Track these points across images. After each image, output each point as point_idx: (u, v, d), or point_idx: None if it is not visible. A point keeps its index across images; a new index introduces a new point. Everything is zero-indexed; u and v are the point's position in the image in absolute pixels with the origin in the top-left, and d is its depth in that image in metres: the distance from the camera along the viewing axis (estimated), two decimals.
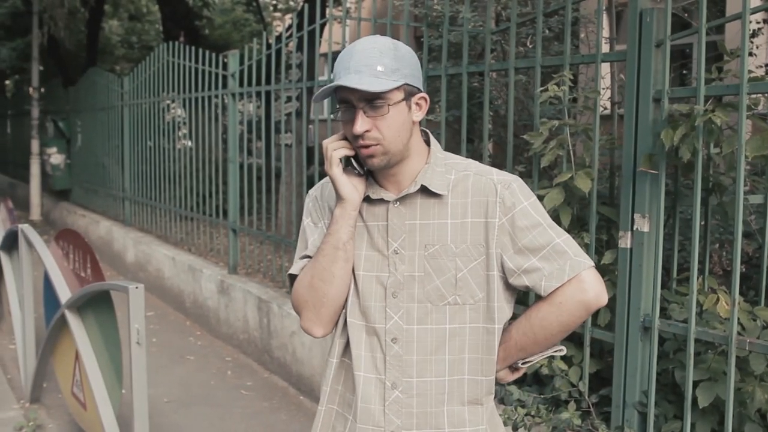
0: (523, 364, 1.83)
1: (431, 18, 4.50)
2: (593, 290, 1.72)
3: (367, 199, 1.81)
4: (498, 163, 4.78)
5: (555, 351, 1.82)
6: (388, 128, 1.69)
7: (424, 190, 1.76)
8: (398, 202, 1.78)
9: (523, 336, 1.78)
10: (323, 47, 7.13)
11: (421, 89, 1.77)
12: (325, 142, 1.76)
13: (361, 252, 1.80)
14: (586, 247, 3.24)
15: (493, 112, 4.96)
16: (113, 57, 23.03)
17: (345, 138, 1.76)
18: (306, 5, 5.41)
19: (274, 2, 19.90)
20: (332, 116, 1.85)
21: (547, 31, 5.27)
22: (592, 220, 3.24)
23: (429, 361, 1.76)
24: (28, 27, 14.27)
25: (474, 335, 1.77)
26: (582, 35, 5.43)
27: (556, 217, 3.40)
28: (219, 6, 19.93)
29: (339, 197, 1.76)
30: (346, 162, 1.80)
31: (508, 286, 1.78)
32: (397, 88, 1.69)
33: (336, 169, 1.75)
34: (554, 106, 4.51)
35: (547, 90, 3.33)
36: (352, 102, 1.69)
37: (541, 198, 3.36)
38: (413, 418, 1.77)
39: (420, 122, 1.81)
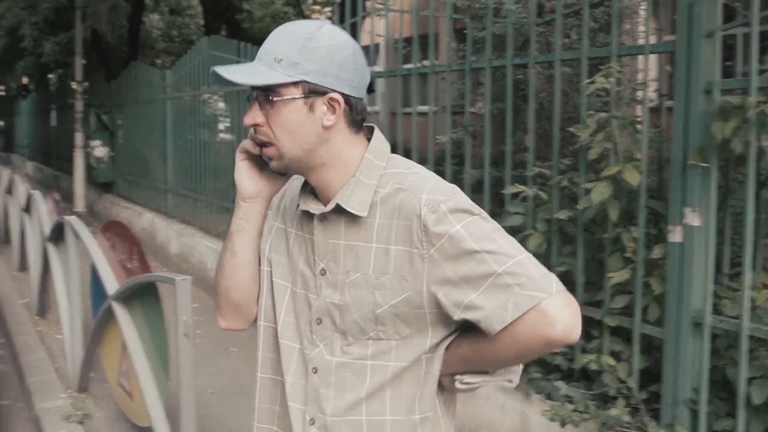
0: (462, 384, 1.52)
1: (474, 10, 4.47)
2: (559, 323, 1.36)
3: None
4: (542, 156, 4.74)
5: (505, 381, 1.55)
6: (278, 127, 1.47)
7: (342, 209, 1.50)
8: (323, 218, 1.53)
9: (469, 349, 1.49)
10: (365, 39, 7.13)
11: (339, 90, 1.48)
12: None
13: (299, 266, 1.59)
14: (635, 242, 3.20)
15: (537, 105, 4.91)
16: (154, 51, 23.26)
17: None
18: None
19: None
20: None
21: (591, 23, 5.21)
22: (641, 214, 3.19)
23: (345, 398, 1.52)
24: (71, 21, 14.46)
25: (398, 372, 1.51)
26: (627, 26, 5.35)
27: (603, 211, 3.35)
28: None
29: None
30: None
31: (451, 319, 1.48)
32: (294, 84, 1.46)
33: (238, 155, 1.58)
34: (600, 99, 4.45)
35: (594, 82, 3.29)
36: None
37: (587, 192, 3.33)
38: None
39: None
